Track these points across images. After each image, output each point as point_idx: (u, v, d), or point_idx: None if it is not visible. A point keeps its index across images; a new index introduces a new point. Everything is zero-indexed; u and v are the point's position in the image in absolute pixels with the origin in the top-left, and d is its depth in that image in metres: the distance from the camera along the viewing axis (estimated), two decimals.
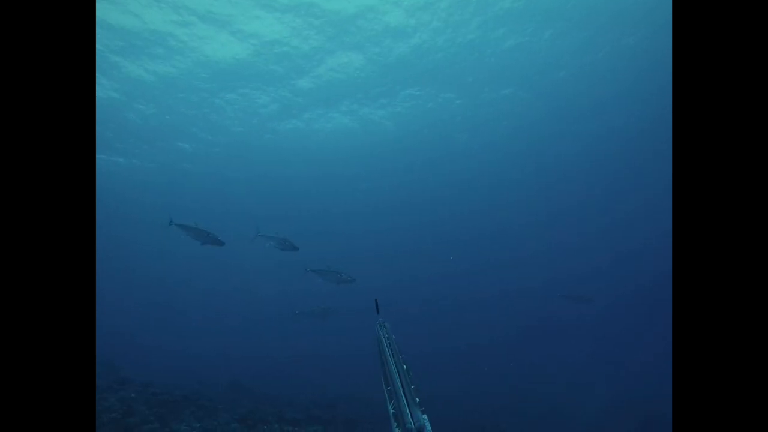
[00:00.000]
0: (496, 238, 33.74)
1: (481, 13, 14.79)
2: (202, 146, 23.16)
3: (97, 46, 15.01)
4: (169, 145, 22.83)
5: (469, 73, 18.04)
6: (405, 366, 1.95)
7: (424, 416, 1.61)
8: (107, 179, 24.20)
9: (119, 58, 15.85)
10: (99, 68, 16.22)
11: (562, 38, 16.20)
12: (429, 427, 1.58)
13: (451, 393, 17.30)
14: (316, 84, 18.28)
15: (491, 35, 15.91)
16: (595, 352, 27.70)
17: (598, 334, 30.78)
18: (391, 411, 1.78)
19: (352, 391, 16.39)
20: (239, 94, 18.96)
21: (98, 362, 12.60)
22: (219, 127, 21.41)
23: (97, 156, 22.72)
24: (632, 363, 25.75)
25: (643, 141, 22.32)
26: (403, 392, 1.76)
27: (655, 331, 28.63)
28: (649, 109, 19.91)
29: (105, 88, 17.50)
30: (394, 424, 1.73)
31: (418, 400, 1.70)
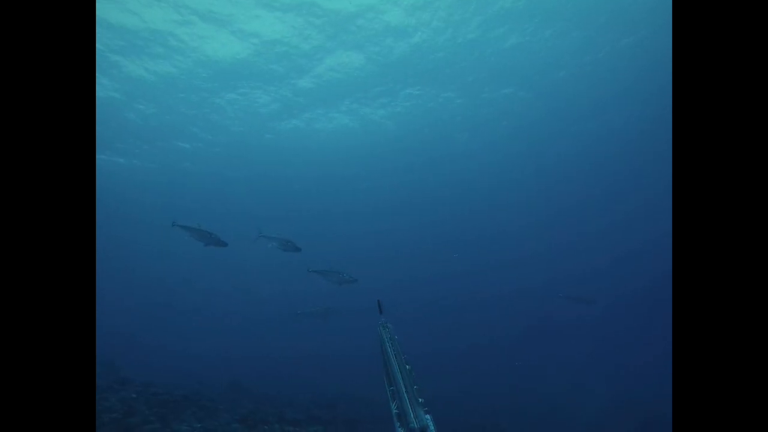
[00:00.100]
0: (496, 239, 33.74)
1: (482, 12, 14.79)
2: (203, 146, 23.17)
3: (98, 45, 15.01)
4: (170, 145, 22.84)
5: (470, 72, 18.04)
6: (408, 366, 1.95)
7: (428, 416, 1.61)
8: (108, 179, 24.21)
9: (119, 57, 15.85)
10: (99, 68, 16.22)
11: (562, 38, 16.21)
12: (432, 427, 1.58)
13: (452, 393, 17.30)
14: (317, 83, 18.28)
15: (491, 34, 15.91)
16: (595, 353, 27.70)
17: (598, 335, 30.77)
18: (395, 411, 1.79)
19: (352, 392, 16.39)
20: (239, 94, 18.96)
21: (98, 362, 12.60)
22: (219, 126, 21.41)
23: (97, 156, 22.74)
24: (632, 363, 25.75)
25: (643, 141, 22.32)
26: (406, 392, 1.76)
27: (655, 331, 28.64)
28: (649, 109, 19.92)
29: (105, 88, 17.51)
30: (397, 424, 1.73)
31: (421, 400, 1.69)
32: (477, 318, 35.31)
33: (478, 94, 19.68)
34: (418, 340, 23.83)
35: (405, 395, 1.75)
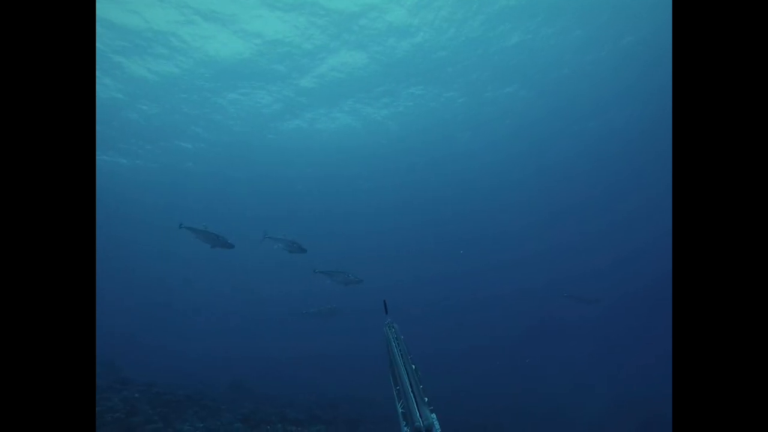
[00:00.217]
0: (498, 239, 33.72)
1: (484, 10, 14.76)
2: (205, 146, 23.20)
3: (100, 45, 15.04)
4: (172, 145, 22.88)
5: (472, 71, 18.01)
6: (414, 366, 1.97)
7: (433, 415, 1.64)
8: (110, 180, 24.26)
9: (122, 58, 15.88)
10: (102, 68, 16.26)
11: (564, 36, 16.18)
12: (438, 426, 1.60)
13: (454, 393, 17.30)
14: (319, 83, 18.28)
15: (494, 32, 15.87)
16: (597, 353, 27.66)
17: (599, 335, 30.73)
18: (400, 410, 1.81)
19: (353, 392, 16.40)
20: (242, 94, 18.98)
21: (99, 362, 12.64)
22: (222, 126, 21.43)
23: (100, 157, 22.79)
24: (633, 363, 25.71)
25: (644, 141, 22.28)
26: (412, 391, 1.78)
27: (656, 331, 28.58)
28: (650, 109, 19.88)
29: (108, 89, 17.54)
30: (403, 423, 1.74)
31: (426, 399, 1.72)
32: (478, 318, 35.30)
33: (481, 93, 19.67)
34: (420, 341, 23.81)
35: (411, 394, 1.77)
